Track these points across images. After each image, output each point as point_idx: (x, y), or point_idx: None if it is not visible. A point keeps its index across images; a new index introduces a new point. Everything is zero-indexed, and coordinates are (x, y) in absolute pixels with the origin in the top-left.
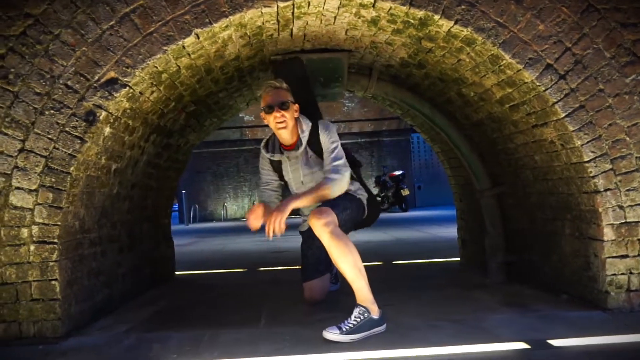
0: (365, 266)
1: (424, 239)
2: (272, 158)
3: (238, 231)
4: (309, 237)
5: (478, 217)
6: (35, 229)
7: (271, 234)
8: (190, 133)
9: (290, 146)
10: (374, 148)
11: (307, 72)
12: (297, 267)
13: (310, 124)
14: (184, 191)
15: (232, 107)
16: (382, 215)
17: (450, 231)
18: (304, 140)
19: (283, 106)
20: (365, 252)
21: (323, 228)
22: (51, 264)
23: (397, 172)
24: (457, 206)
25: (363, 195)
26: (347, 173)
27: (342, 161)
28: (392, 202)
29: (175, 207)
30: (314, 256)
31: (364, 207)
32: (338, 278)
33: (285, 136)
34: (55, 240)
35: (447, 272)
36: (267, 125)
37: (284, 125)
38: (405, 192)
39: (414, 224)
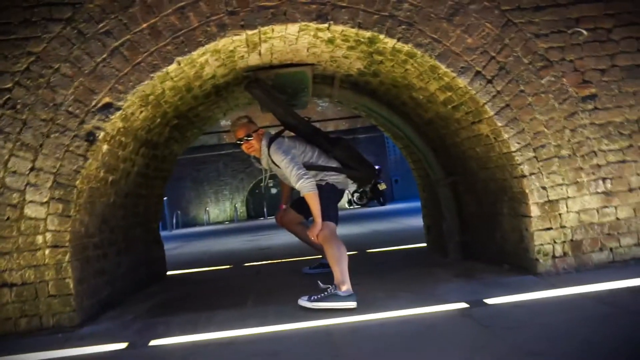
0: None
1: (397, 229)
2: (255, 164)
3: (222, 233)
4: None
5: (438, 204)
6: (48, 235)
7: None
8: (174, 144)
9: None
10: None
11: (270, 91)
12: (278, 260)
13: (266, 150)
14: (165, 198)
15: (210, 118)
16: (361, 210)
17: (421, 221)
18: (262, 162)
19: (245, 139)
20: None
21: (320, 240)
22: (64, 264)
23: None
24: (420, 196)
25: (328, 176)
26: (301, 180)
27: (295, 172)
28: (370, 197)
29: None
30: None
31: (331, 185)
32: (322, 266)
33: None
34: (67, 244)
35: (413, 256)
36: None
37: (252, 151)
38: (382, 186)
39: (390, 216)
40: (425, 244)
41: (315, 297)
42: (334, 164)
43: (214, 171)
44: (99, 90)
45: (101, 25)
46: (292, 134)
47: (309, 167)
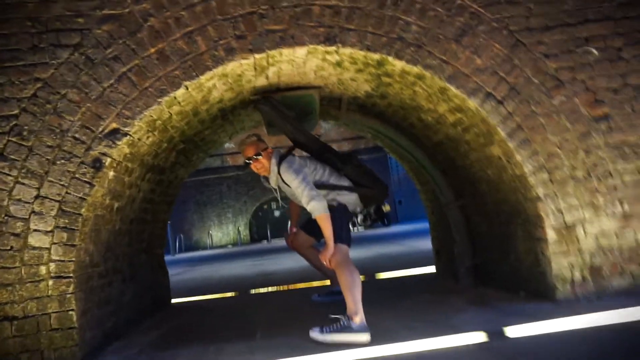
0: None
1: (404, 252)
2: (264, 183)
3: (225, 258)
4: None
5: (447, 228)
6: (52, 265)
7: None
8: (180, 169)
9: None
10: None
11: (279, 107)
12: (286, 287)
13: (276, 169)
14: (169, 222)
15: (216, 141)
16: (366, 232)
17: (428, 243)
18: (271, 181)
19: (254, 158)
20: None
21: (332, 265)
22: (68, 296)
23: None
24: (429, 219)
25: (340, 195)
26: (313, 201)
27: (307, 193)
28: (374, 219)
29: None
30: (309, 226)
31: (343, 206)
32: (332, 294)
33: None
34: (71, 275)
35: (423, 282)
36: None
37: (261, 170)
38: (387, 208)
39: (395, 238)
40: (434, 268)
41: (328, 330)
42: (346, 183)
43: (217, 194)
44: (106, 116)
45: (109, 50)
46: (302, 152)
47: (320, 185)
